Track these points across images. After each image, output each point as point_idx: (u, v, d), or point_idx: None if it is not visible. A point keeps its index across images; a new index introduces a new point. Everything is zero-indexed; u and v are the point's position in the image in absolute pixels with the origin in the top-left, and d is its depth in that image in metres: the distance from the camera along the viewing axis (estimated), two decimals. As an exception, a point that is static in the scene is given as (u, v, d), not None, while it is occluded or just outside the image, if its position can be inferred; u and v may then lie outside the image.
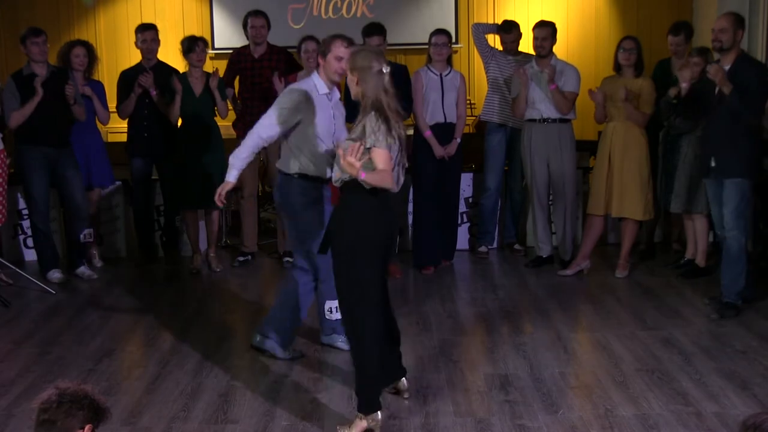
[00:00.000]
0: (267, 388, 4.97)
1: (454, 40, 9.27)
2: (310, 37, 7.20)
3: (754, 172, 6.02)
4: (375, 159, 4.21)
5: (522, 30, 7.83)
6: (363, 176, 4.13)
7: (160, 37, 7.76)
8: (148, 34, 7.61)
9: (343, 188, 4.34)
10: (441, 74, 7.32)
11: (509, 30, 7.79)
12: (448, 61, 7.42)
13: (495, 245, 8.10)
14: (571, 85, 7.18)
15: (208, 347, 5.66)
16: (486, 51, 7.84)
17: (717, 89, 5.94)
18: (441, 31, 7.42)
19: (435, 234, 7.47)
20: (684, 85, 6.24)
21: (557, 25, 7.38)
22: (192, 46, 7.24)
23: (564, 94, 7.12)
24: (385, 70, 4.29)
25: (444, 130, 7.32)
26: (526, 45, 7.86)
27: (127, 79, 7.60)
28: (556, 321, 6.11)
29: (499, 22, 8.02)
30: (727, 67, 5.96)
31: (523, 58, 7.70)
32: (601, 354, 5.44)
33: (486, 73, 7.89)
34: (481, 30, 7.89)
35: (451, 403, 4.71)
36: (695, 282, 6.91)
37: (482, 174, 7.91)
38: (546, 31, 7.18)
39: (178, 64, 7.66)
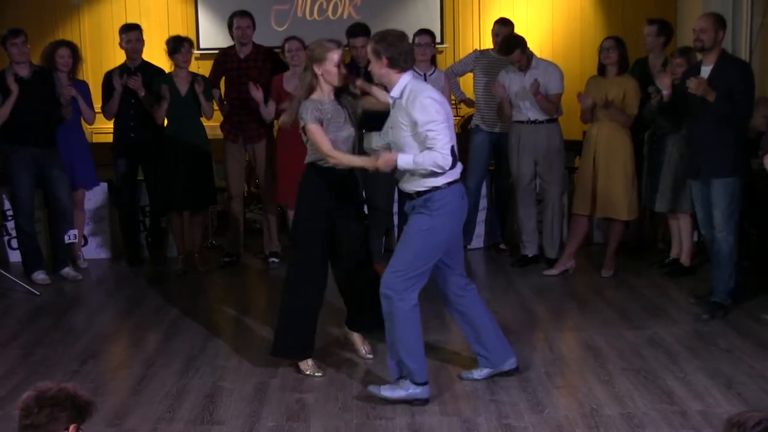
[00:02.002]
0: (253, 388, 4.96)
1: (439, 40, 9.32)
2: (294, 37, 7.22)
3: (743, 171, 6.04)
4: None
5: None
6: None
7: (146, 37, 7.74)
8: (132, 34, 7.58)
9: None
10: (425, 74, 7.32)
11: (506, 24, 7.79)
12: (432, 61, 7.44)
13: (475, 245, 8.09)
14: (555, 86, 7.19)
15: (194, 348, 5.65)
16: (467, 69, 7.88)
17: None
18: (424, 31, 7.44)
19: None
20: (665, 93, 6.25)
21: (542, 26, 7.42)
22: (178, 46, 7.23)
23: (550, 99, 7.14)
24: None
25: None
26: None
27: (112, 80, 7.57)
28: (542, 320, 6.12)
29: (481, 30, 8.02)
30: (709, 67, 5.98)
31: None
32: (587, 353, 5.45)
33: (474, 81, 7.89)
34: (453, 73, 7.92)
35: (437, 402, 4.70)
36: (680, 281, 6.93)
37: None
38: (516, 55, 7.13)
39: (164, 64, 7.64)
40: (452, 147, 4.57)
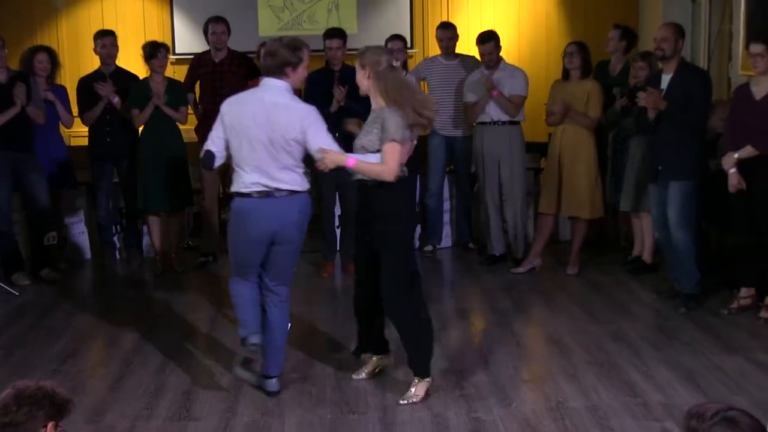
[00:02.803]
0: (229, 385, 4.95)
1: (409, 45, 9.33)
2: (265, 44, 7.19)
3: (699, 174, 6.10)
4: (387, 152, 4.47)
5: (473, 37, 7.82)
6: (351, 164, 4.49)
7: (122, 42, 7.70)
8: (106, 39, 7.54)
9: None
10: None
11: (448, 27, 7.84)
12: (404, 66, 7.45)
13: (444, 244, 8.11)
14: (519, 88, 7.23)
15: (170, 346, 5.63)
16: (420, 76, 7.85)
17: (662, 95, 6.01)
18: (396, 37, 7.48)
19: None
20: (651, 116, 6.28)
21: (509, 32, 7.45)
22: (154, 52, 7.19)
23: (509, 99, 7.17)
24: (396, 64, 4.69)
25: None
26: (463, 51, 7.95)
27: (86, 85, 7.54)
28: (510, 317, 6.14)
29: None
30: (669, 75, 6.04)
31: (461, 61, 7.78)
32: (553, 348, 5.48)
33: (428, 87, 7.91)
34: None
35: (408, 397, 4.72)
36: (642, 278, 6.97)
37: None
38: (490, 46, 7.20)
39: (140, 69, 7.60)
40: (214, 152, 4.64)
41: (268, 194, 4.55)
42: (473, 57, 7.92)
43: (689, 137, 6.00)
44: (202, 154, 4.67)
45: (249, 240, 4.64)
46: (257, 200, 4.56)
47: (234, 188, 4.64)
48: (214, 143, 4.64)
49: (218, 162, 4.67)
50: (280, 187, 4.55)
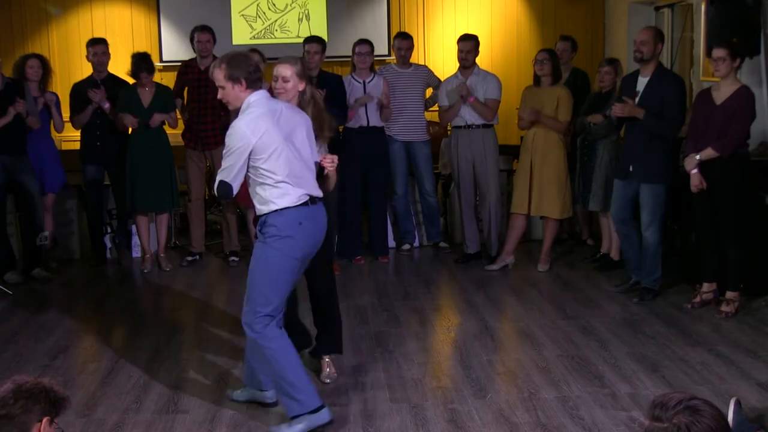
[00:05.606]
0: (215, 379, 4.94)
1: (386, 52, 9.36)
2: (255, 50, 7.19)
3: (669, 178, 6.13)
4: None
5: (447, 44, 7.85)
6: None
7: (111, 50, 7.66)
8: (98, 47, 7.52)
9: None
10: (364, 81, 7.36)
11: (406, 37, 7.84)
12: (372, 69, 7.46)
13: (416, 243, 8.10)
14: (493, 93, 7.25)
15: (158, 342, 5.60)
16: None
17: (637, 99, 6.03)
18: (363, 41, 7.50)
19: (360, 232, 7.58)
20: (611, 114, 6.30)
21: (482, 40, 7.49)
22: (137, 73, 7.18)
23: (484, 104, 7.19)
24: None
25: (367, 133, 7.36)
26: (437, 57, 7.95)
27: (79, 91, 7.50)
28: (484, 312, 6.15)
29: (425, 43, 8.03)
30: (647, 78, 6.06)
31: (415, 69, 7.80)
32: (525, 342, 5.49)
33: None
34: None
35: (387, 390, 4.72)
36: (610, 274, 6.99)
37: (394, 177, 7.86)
38: (470, 44, 7.26)
39: (128, 75, 7.57)
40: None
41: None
42: (426, 66, 8.01)
43: (661, 141, 6.03)
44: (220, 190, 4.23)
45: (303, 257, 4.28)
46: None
47: (271, 207, 4.16)
48: None
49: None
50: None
